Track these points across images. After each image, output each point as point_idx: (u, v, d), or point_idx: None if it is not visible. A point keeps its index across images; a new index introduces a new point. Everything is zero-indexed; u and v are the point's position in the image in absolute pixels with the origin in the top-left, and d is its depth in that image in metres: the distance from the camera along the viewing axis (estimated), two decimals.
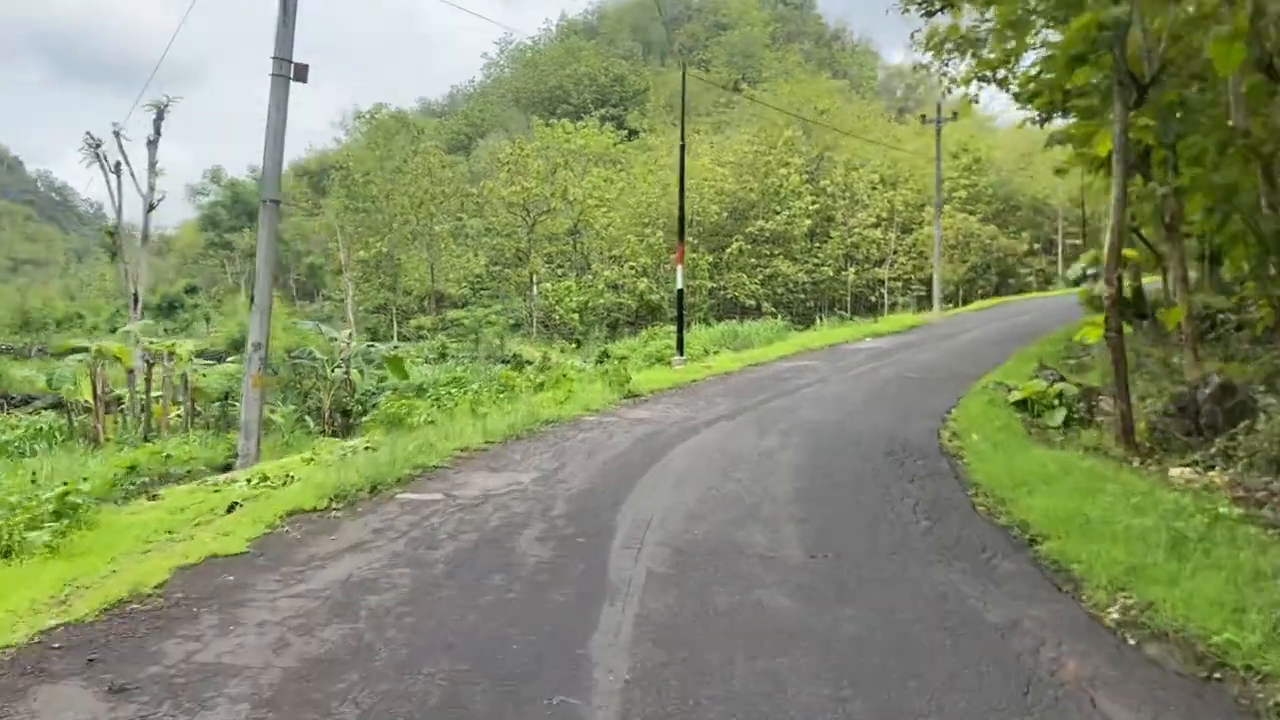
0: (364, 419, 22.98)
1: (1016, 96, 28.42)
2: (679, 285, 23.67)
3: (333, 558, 7.68)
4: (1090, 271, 23.85)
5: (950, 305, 45.86)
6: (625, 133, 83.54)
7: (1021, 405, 16.49)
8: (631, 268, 60.71)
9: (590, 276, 61.13)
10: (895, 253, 66.38)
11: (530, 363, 46.64)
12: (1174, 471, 12.42)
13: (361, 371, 26.56)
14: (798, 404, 17.48)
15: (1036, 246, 67.50)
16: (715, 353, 28.27)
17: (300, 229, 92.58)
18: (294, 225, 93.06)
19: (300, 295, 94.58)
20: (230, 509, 9.48)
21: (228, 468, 16.64)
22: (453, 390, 22.79)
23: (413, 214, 64.52)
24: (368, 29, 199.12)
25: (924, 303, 62.40)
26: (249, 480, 10.78)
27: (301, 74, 16.52)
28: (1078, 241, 69.21)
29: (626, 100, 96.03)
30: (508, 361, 47.27)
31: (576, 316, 57.01)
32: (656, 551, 7.91)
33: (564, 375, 19.11)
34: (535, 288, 61.08)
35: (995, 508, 10.04)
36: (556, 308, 58.08)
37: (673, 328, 52.37)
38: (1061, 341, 24.07)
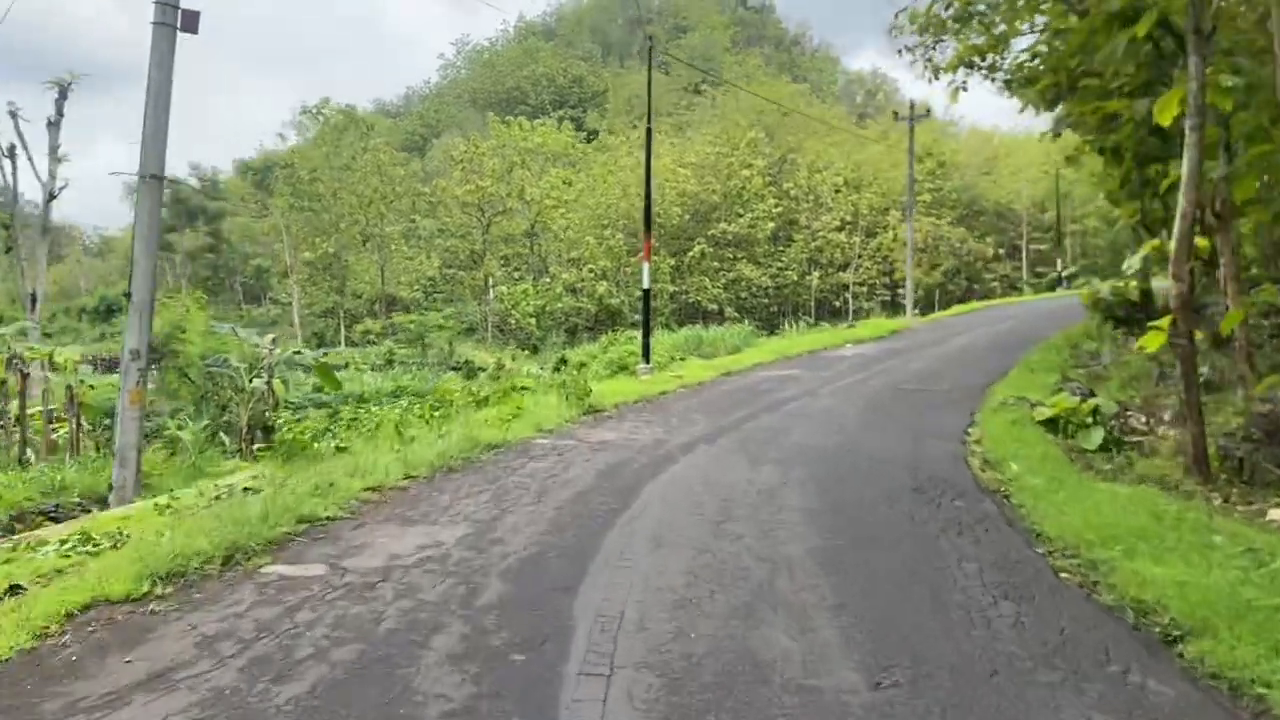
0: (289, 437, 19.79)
1: (1008, 84, 25.99)
2: (645, 284, 20.83)
3: (104, 708, 4.66)
4: (1140, 265, 21.12)
5: (921, 311, 43.49)
6: (584, 134, 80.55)
7: (1050, 425, 13.84)
8: (591, 271, 57.75)
9: (548, 280, 58.05)
10: (860, 257, 64.16)
11: (483, 370, 43.46)
12: (1275, 514, 9.79)
13: (286, 381, 23.29)
14: (787, 422, 14.66)
15: (1001, 252, 65.64)
16: (682, 360, 25.42)
17: (248, 230, 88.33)
18: (241, 226, 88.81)
19: (247, 299, 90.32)
20: (10, 592, 6.41)
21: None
22: (375, 407, 19.68)
23: (361, 214, 60.96)
24: (323, 30, 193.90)
25: (890, 308, 60.24)
26: (63, 542, 7.66)
27: (191, 23, 13.39)
28: (1042, 246, 67.62)
29: (585, 101, 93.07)
30: (459, 368, 44.09)
31: (533, 321, 53.91)
32: (636, 682, 4.99)
33: (513, 388, 16.13)
34: (490, 291, 57.86)
35: (1088, 576, 7.31)
36: (512, 312, 54.93)
37: (635, 333, 49.56)
38: (1063, 348, 21.58)
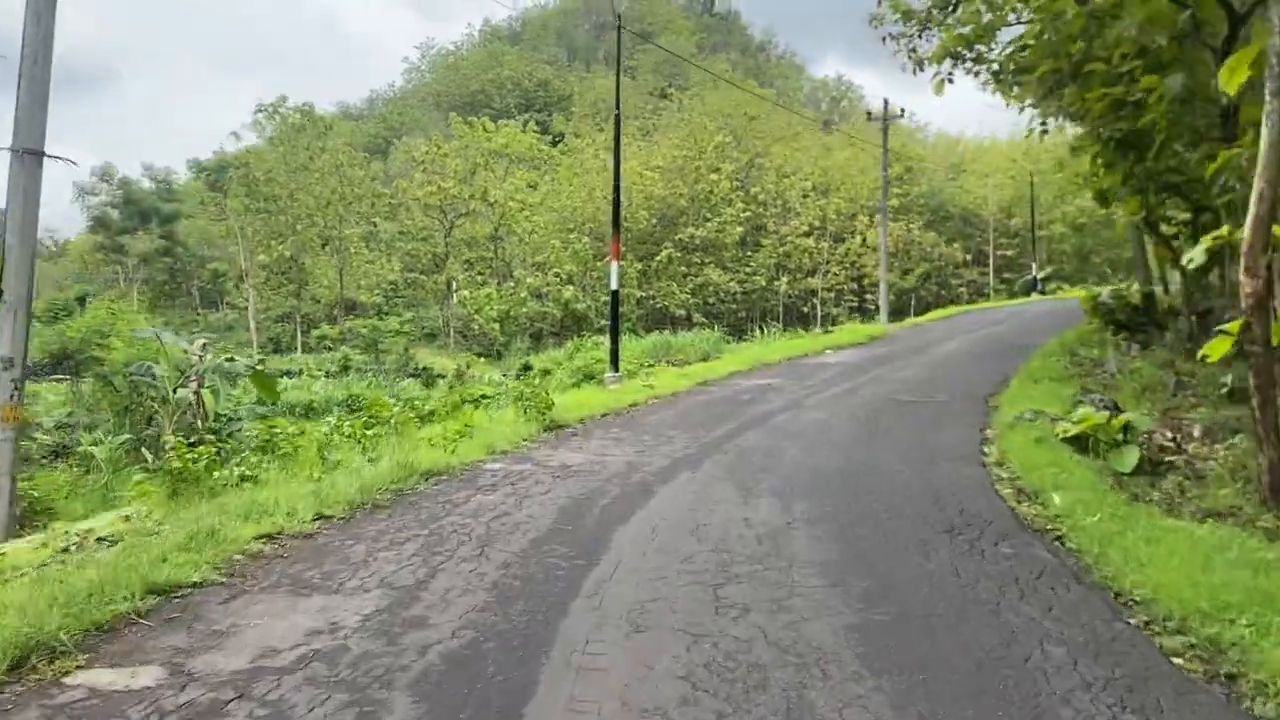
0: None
1: (996, 77, 24.25)
2: (613, 285, 18.73)
3: None
4: (1202, 260, 19.34)
5: (893, 317, 41.78)
6: (550, 138, 78.27)
7: (1075, 443, 11.92)
8: (556, 275, 55.49)
9: (512, 284, 55.74)
10: (828, 262, 62.56)
11: (443, 376, 41.06)
12: None
13: (216, 391, 20.89)
14: (777, 440, 12.62)
15: (967, 258, 64.35)
16: (652, 367, 23.34)
17: (206, 233, 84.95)
18: (199, 229, 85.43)
19: (205, 304, 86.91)
20: None
21: None
22: (328, 418, 17.42)
23: (319, 215, 58.27)
24: (291, 36, 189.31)
25: (859, 313, 58.62)
26: None
27: None
28: (1009, 252, 66.48)
29: (551, 105, 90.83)
30: (418, 375, 41.65)
31: (497, 326, 51.58)
32: None
33: (463, 400, 13.95)
34: (453, 295, 55.43)
35: (1215, 665, 5.37)
36: (476, 317, 52.56)
37: (602, 338, 47.44)
38: (1061, 355, 19.77)
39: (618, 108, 18.98)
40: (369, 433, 11.68)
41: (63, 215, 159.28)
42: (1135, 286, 20.07)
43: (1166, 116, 14.62)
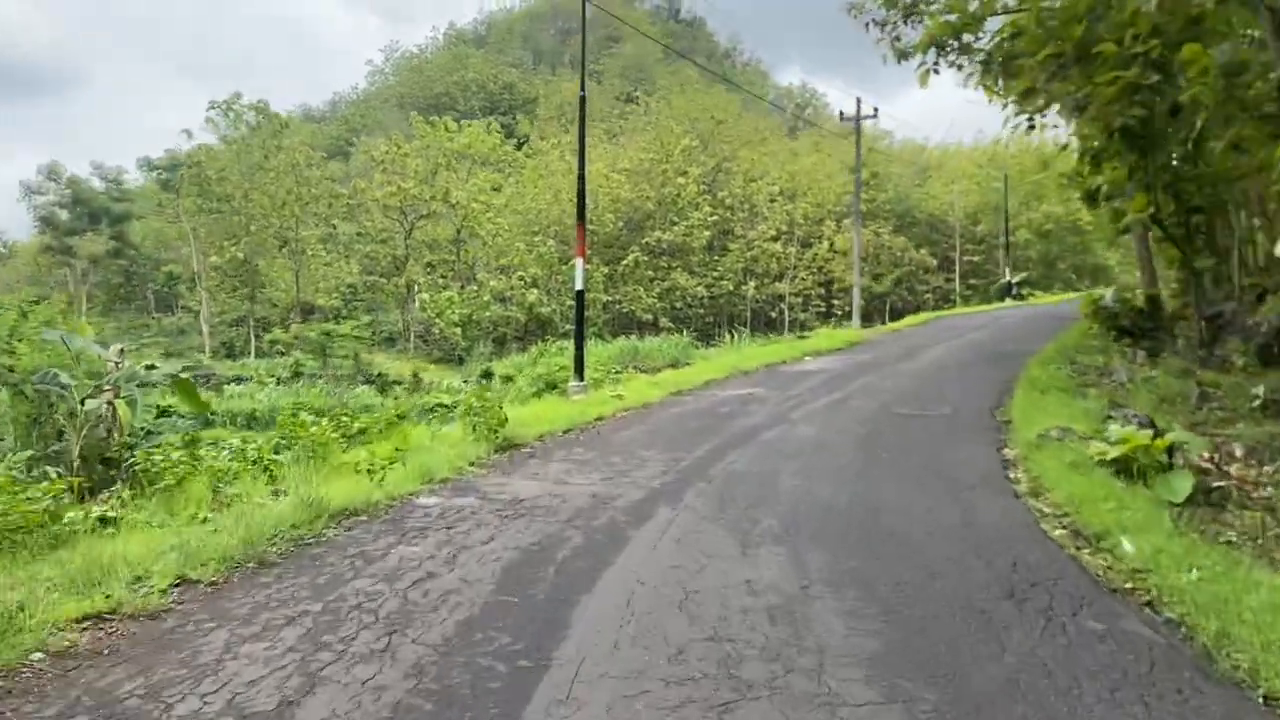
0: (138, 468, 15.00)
1: (986, 66, 22.52)
2: (578, 285, 16.64)
3: None
4: None
5: (867, 322, 40.05)
6: (515, 141, 75.89)
7: (1113, 466, 10.05)
8: (520, 278, 53.26)
9: (475, 287, 53.39)
10: (795, 267, 60.93)
11: (399, 383, 38.67)
12: None
13: (134, 402, 18.49)
14: (770, 462, 10.62)
15: (933, 264, 63.04)
16: (619, 374, 21.29)
17: (162, 235, 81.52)
18: (154, 231, 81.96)
19: (159, 307, 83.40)
20: None
21: None
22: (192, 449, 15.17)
23: (275, 216, 55.49)
24: (255, 41, 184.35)
25: (827, 319, 57.01)
26: None
27: None
28: (975, 258, 65.32)
29: (516, 108, 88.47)
30: (373, 381, 39.22)
31: (459, 331, 49.23)
32: None
33: (400, 414, 11.78)
34: (414, 299, 52.96)
35: None
36: (436, 321, 50.15)
37: (568, 343, 45.33)
38: (1060, 361, 17.98)
39: (583, 89, 16.91)
40: (279, 458, 9.48)
41: (9, 216, 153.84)
42: (1140, 289, 18.35)
43: (1212, 91, 12.80)
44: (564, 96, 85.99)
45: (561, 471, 10.27)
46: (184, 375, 19.82)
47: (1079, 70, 17.11)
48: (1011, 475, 10.09)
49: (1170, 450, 10.15)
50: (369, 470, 9.30)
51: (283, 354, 50.67)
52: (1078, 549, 7.35)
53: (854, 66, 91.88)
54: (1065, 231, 60.98)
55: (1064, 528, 7.99)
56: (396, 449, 9.72)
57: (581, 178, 17.03)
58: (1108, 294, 18.03)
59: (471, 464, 10.65)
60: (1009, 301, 39.10)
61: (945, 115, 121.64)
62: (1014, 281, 42.54)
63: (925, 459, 10.80)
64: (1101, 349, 18.03)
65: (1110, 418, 11.79)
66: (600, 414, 14.42)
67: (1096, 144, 24.35)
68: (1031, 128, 25.63)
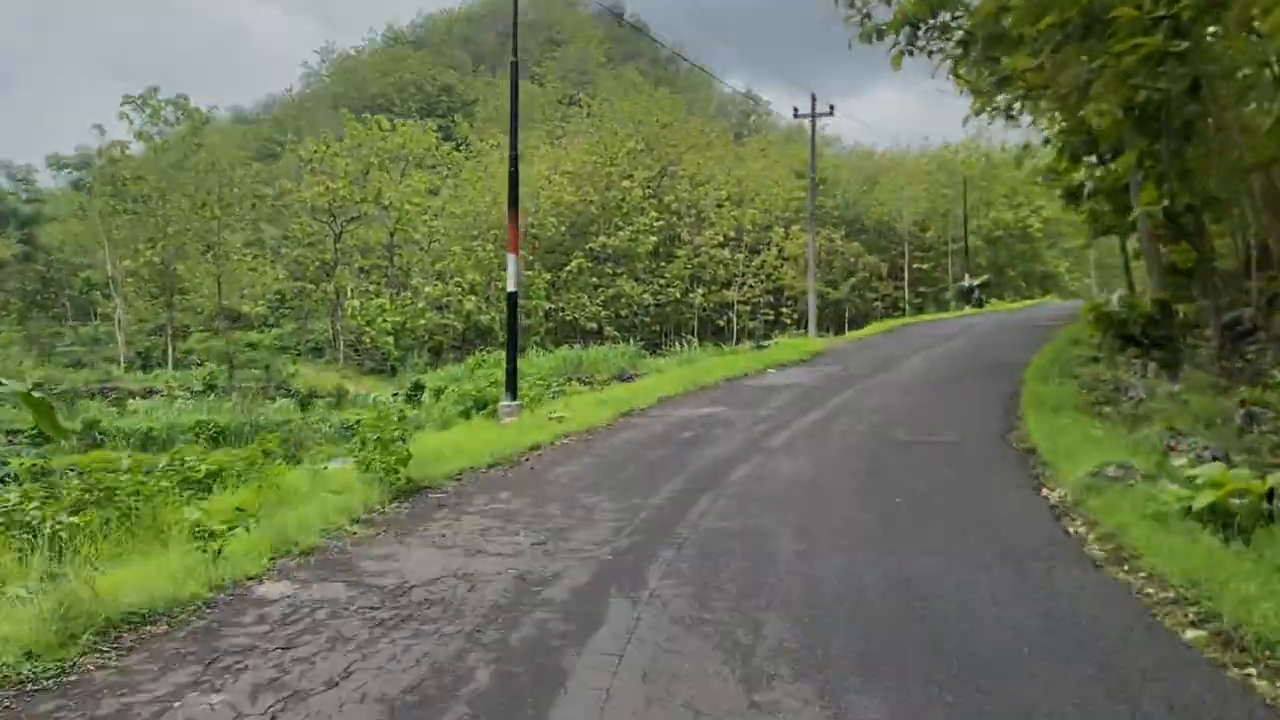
0: None
1: (964, 47, 20.35)
2: (511, 286, 13.89)
3: None
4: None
5: (821, 330, 37.85)
6: (454, 144, 72.58)
7: (1207, 516, 7.64)
8: (458, 284, 50.11)
9: (409, 294, 50.09)
10: (744, 274, 58.76)
11: (322, 396, 35.32)
12: None
13: None
14: (754, 512, 8.02)
15: (885, 270, 61.40)
16: (562, 390, 18.57)
17: (80, 239, 76.35)
18: (72, 234, 76.74)
19: (76, 314, 78.12)
20: None
21: None
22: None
23: (194, 218, 51.52)
24: (188, 45, 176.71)
25: (776, 327, 54.89)
26: None
27: None
28: (925, 265, 63.95)
29: (455, 110, 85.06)
30: (294, 395, 35.75)
31: (390, 340, 45.91)
32: None
33: (265, 452, 8.90)
34: (342, 306, 49.51)
35: None
36: (367, 329, 46.76)
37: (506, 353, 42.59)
38: (1059, 375, 15.70)
39: (514, 53, 14.19)
40: (73, 522, 6.59)
41: None
42: (1151, 294, 16.20)
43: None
44: (504, 99, 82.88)
45: (477, 531, 7.52)
46: (35, 393, 16.51)
47: (1078, 46, 14.92)
48: (1072, 530, 7.63)
49: (1270, 494, 7.78)
50: (210, 535, 6.44)
51: (200, 365, 46.82)
52: (1238, 667, 4.85)
53: (800, 77, 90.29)
54: (1014, 239, 59.85)
55: (1196, 624, 5.50)
56: (238, 509, 6.85)
57: (514, 158, 14.30)
58: (1113, 298, 15.87)
59: (356, 521, 7.84)
60: (969, 309, 37.21)
61: (889, 127, 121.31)
62: (974, 285, 40.65)
63: (956, 510, 8.29)
64: (1106, 360, 15.81)
65: (1171, 449, 9.43)
66: (536, 442, 11.67)
67: (1079, 136, 22.39)
68: (1010, 118, 23.65)
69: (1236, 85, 15.28)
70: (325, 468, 9.42)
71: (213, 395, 35.09)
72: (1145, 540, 6.93)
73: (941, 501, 8.53)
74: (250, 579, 6.16)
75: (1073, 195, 23.23)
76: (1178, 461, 8.94)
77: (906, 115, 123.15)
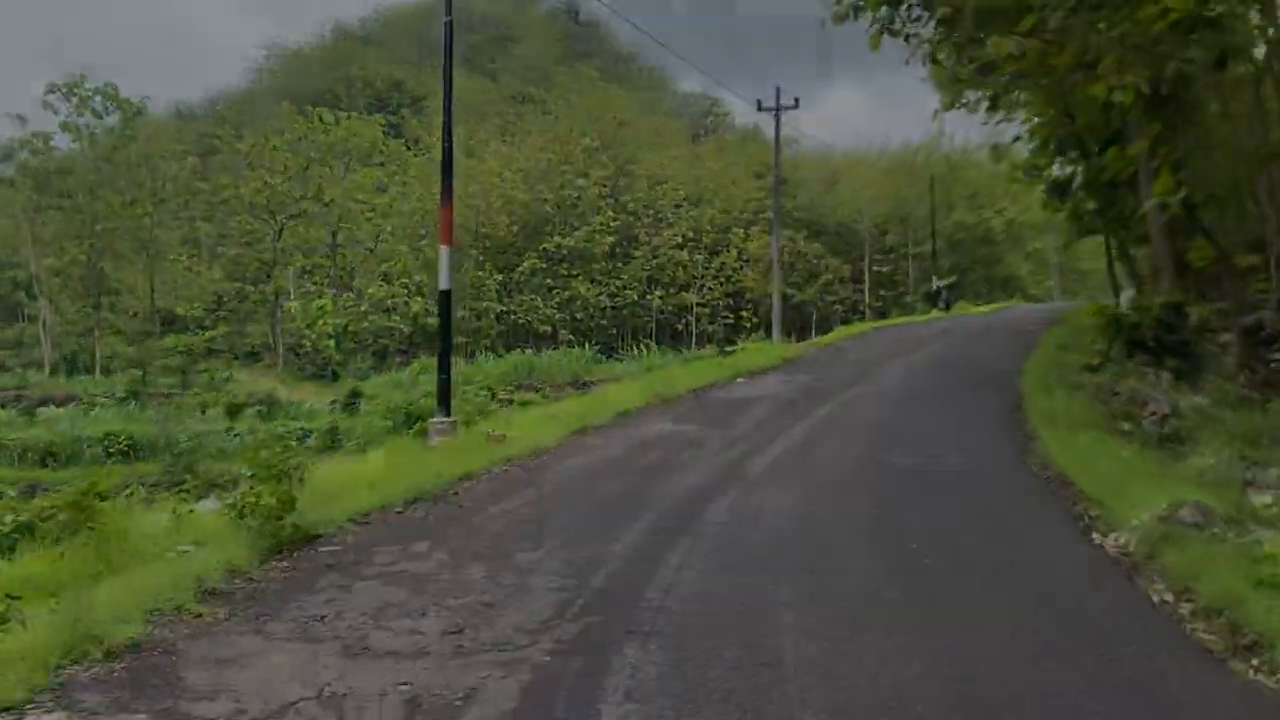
0: None
1: (949, 26, 18.74)
2: (443, 284, 11.83)
3: None
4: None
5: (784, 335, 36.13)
6: (404, 141, 69.93)
7: None
8: (405, 285, 47.66)
9: (352, 295, 47.54)
10: (702, 276, 57.00)
11: (250, 406, 32.70)
12: None
13: None
14: (740, 575, 6.12)
15: (848, 272, 60.06)
16: (510, 401, 16.53)
17: (10, 239, 72.23)
18: (2, 233, 72.59)
19: (5, 315, 73.94)
20: None
21: None
22: None
23: (125, 214, 48.48)
24: (137, 42, 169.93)
25: (735, 331, 53.19)
26: None
27: None
28: (884, 268, 62.79)
29: (405, 106, 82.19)
30: (225, 401, 33.06)
31: (332, 343, 43.35)
32: None
33: (88, 491, 6.75)
34: (281, 308, 46.83)
35: None
36: (307, 333, 44.15)
37: (456, 357, 40.37)
38: (1061, 385, 14.03)
39: (448, 11, 12.19)
40: None
41: None
42: (1160, 298, 14.61)
43: None
44: (457, 94, 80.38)
45: (369, 612, 5.49)
46: None
47: (1091, 15, 13.27)
48: (1157, 598, 5.82)
49: None
50: None
51: (133, 370, 43.79)
52: None
53: (755, 82, 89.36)
54: (976, 242, 58.92)
55: None
56: (8, 596, 4.74)
57: (447, 127, 12.30)
58: (1122, 299, 14.26)
59: (208, 594, 5.76)
60: (936, 311, 35.74)
61: (845, 133, 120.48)
62: (942, 286, 39.12)
63: (989, 559, 6.49)
64: (1113, 368, 14.17)
65: (1249, 484, 7.70)
66: (469, 469, 9.62)
67: (1063, 128, 20.90)
68: (993, 107, 22.10)
69: (1252, 66, 13.81)
70: (191, 510, 7.30)
71: (135, 403, 32.31)
72: (1269, 618, 5.14)
73: (972, 551, 6.71)
74: (6, 711, 4.08)
75: (1057, 190, 21.77)
76: (1260, 499, 7.22)
77: (863, 118, 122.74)
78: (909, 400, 14.42)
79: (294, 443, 23.16)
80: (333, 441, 20.80)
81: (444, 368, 11.90)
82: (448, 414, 11.87)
